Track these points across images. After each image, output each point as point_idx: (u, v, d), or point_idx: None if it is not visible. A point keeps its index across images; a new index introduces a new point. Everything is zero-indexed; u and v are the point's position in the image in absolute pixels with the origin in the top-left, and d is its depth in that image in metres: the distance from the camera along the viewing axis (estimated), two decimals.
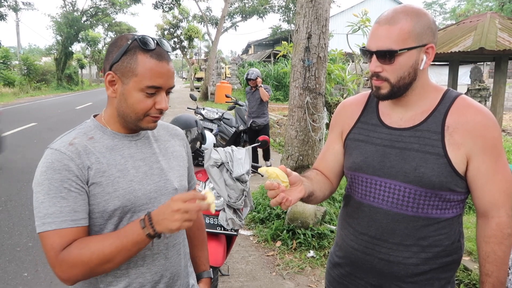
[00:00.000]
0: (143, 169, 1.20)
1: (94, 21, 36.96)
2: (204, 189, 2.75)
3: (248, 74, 6.68)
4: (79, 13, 33.87)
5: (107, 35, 46.04)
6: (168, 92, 1.18)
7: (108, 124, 1.21)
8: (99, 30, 44.02)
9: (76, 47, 44.11)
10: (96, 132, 1.19)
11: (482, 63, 13.20)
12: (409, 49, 1.17)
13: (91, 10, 35.30)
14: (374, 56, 1.21)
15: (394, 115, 1.30)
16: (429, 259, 1.26)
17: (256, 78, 6.59)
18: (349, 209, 1.40)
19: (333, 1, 20.97)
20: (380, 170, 1.27)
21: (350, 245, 1.37)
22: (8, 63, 29.23)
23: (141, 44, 1.10)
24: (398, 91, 1.23)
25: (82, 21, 33.71)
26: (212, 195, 1.09)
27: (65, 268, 1.05)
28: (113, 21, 40.97)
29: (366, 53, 1.23)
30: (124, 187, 1.15)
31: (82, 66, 43.57)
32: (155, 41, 1.14)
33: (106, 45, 47.57)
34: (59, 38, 32.81)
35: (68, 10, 33.44)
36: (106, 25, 41.38)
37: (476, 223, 1.28)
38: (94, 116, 1.25)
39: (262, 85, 6.68)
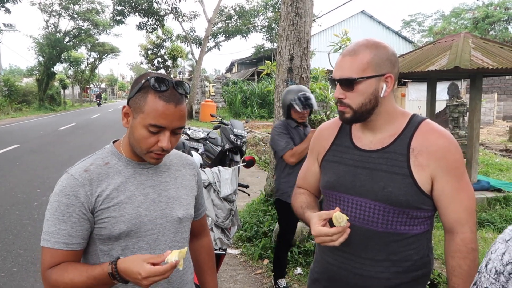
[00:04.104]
0: (151, 196, 1.27)
1: (77, 42, 36.76)
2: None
3: (304, 95, 3.13)
4: (61, 34, 33.69)
5: (90, 55, 45.98)
6: (175, 132, 1.22)
7: (124, 151, 1.28)
8: (82, 51, 43.94)
9: (59, 68, 43.72)
10: (112, 158, 1.27)
11: (459, 79, 13.66)
12: (367, 77, 1.28)
13: (74, 31, 35.14)
14: (338, 84, 1.32)
15: (364, 138, 1.40)
16: (400, 273, 1.33)
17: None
18: None
19: (315, 21, 21.45)
20: (351, 189, 1.37)
21: (327, 261, 1.45)
22: None
23: (151, 85, 1.16)
24: (361, 116, 1.33)
25: (65, 42, 33.54)
26: (184, 252, 1.11)
27: (46, 285, 1.19)
28: (96, 41, 40.91)
29: (332, 81, 1.35)
30: (130, 212, 1.21)
31: (64, 87, 43.17)
32: (171, 83, 1.18)
33: (89, 65, 47.48)
34: (41, 59, 32.51)
35: (50, 31, 33.24)
36: (89, 45, 41.28)
37: (444, 239, 1.36)
38: (114, 142, 1.33)
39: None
